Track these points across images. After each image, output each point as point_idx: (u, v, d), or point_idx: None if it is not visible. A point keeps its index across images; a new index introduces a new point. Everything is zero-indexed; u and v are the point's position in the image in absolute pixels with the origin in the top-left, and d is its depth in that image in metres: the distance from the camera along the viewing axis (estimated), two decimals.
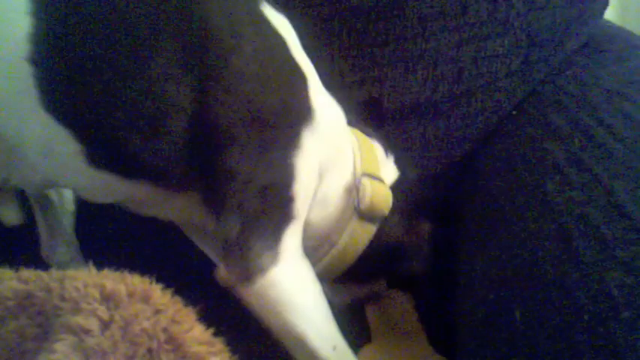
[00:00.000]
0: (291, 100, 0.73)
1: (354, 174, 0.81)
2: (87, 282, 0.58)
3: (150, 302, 0.58)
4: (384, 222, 0.82)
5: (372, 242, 0.82)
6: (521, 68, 0.96)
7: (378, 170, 0.83)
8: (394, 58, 0.95)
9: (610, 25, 1.09)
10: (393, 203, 0.82)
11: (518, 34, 0.95)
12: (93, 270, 0.61)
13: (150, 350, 0.55)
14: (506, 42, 0.95)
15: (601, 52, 1.00)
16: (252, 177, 0.70)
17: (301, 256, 0.74)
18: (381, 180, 0.82)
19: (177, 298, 0.61)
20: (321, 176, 0.77)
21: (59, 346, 0.53)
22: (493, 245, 0.74)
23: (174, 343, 0.56)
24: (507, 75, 0.96)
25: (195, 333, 0.58)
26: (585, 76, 0.92)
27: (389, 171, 0.86)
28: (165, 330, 0.56)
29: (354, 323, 0.92)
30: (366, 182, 0.79)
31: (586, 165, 0.70)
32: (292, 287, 0.71)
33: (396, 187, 0.84)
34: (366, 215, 0.80)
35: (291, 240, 0.72)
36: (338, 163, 0.80)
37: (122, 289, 0.58)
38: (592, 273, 0.56)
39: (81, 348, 0.53)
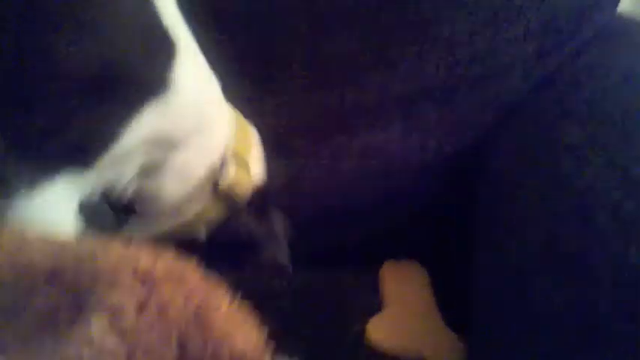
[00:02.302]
0: (144, 67, 0.71)
1: (223, 153, 0.81)
2: (120, 257, 0.57)
3: (184, 283, 0.57)
4: (237, 209, 0.83)
5: (223, 227, 0.83)
6: (536, 54, 0.96)
7: (249, 156, 0.84)
8: (407, 43, 0.95)
9: (624, 15, 1.10)
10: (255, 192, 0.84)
11: (532, 21, 0.95)
12: (122, 241, 0.60)
13: (180, 331, 0.55)
14: (520, 28, 0.95)
15: (615, 40, 1.00)
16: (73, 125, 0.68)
17: (64, 200, 0.72)
18: (248, 166, 0.83)
19: (209, 277, 0.60)
20: (169, 148, 0.76)
21: (95, 322, 0.52)
22: (511, 223, 0.75)
23: (202, 323, 0.56)
24: (522, 61, 0.96)
25: (223, 311, 0.58)
26: (600, 62, 0.93)
27: (259, 162, 0.87)
28: (196, 310, 0.56)
29: (366, 292, 0.93)
30: (232, 165, 0.80)
31: (602, 146, 0.71)
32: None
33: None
34: (222, 197, 0.81)
35: (63, 185, 0.70)
36: (201, 139, 0.79)
37: (159, 268, 0.57)
38: (615, 246, 0.57)
39: (117, 326, 0.52)
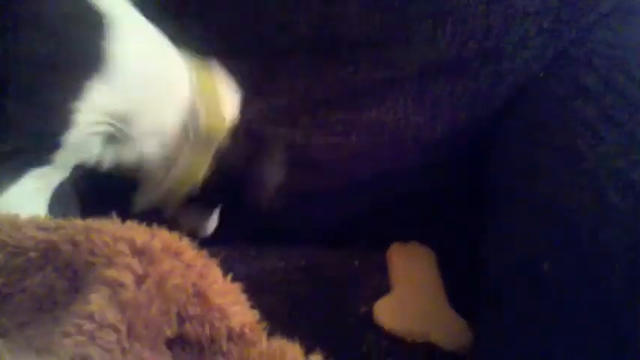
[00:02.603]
0: (75, 48, 0.71)
1: (191, 105, 0.81)
2: (116, 235, 0.57)
3: (181, 258, 0.58)
4: (223, 150, 0.84)
5: (214, 170, 0.84)
6: (552, 27, 0.93)
7: (218, 102, 0.84)
8: (422, 15, 0.93)
9: None
10: (234, 133, 0.84)
11: None
12: (117, 221, 0.61)
13: (179, 305, 0.55)
14: (537, 1, 0.93)
15: (631, 14, 0.97)
16: (25, 120, 0.70)
17: (37, 194, 0.75)
18: (220, 113, 0.84)
19: (204, 252, 0.61)
20: (128, 118, 0.77)
21: (95, 297, 0.52)
22: (523, 201, 0.74)
23: (200, 297, 0.56)
24: (537, 34, 0.93)
25: (219, 285, 0.59)
26: (616, 37, 0.90)
27: (231, 103, 0.87)
28: (193, 285, 0.56)
29: (373, 273, 0.92)
30: (202, 111, 0.81)
31: (618, 121, 0.69)
32: None
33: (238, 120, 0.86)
34: (201, 142, 0.82)
35: (33, 180, 0.72)
36: (164, 99, 0.80)
37: (156, 244, 0.57)
38: (627, 224, 0.55)
39: (116, 300, 0.52)
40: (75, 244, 0.57)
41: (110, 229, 0.59)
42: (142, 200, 0.86)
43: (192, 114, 0.81)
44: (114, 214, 0.61)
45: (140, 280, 0.54)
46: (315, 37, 0.95)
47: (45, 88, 0.70)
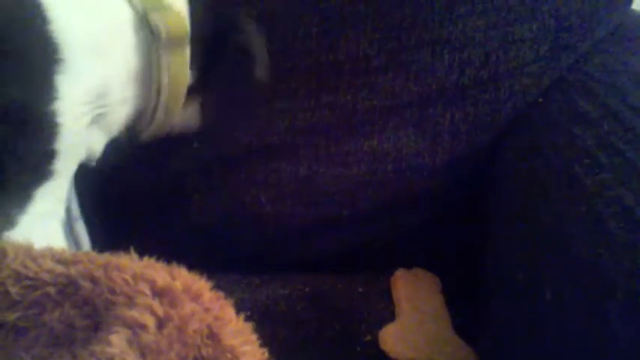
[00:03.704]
0: (25, 49, 0.67)
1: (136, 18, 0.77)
2: (136, 274, 0.56)
3: (200, 300, 0.57)
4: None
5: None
6: (549, 53, 0.95)
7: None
8: (420, 42, 0.95)
9: (638, 15, 1.08)
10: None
11: (546, 19, 0.94)
12: (134, 256, 0.60)
13: (196, 347, 0.54)
14: (534, 27, 0.94)
15: (630, 39, 0.99)
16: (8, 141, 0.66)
17: (49, 217, 0.72)
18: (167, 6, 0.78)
19: (220, 294, 0.60)
20: (107, 88, 0.74)
21: (115, 339, 0.51)
22: (522, 227, 0.74)
23: (214, 339, 0.55)
24: (535, 60, 0.95)
25: (232, 325, 0.58)
26: (614, 62, 0.92)
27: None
28: (208, 326, 0.56)
29: (378, 300, 0.93)
30: (155, 17, 0.76)
31: (616, 148, 0.70)
32: None
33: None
34: (172, 43, 0.78)
35: (43, 201, 0.69)
36: (121, 48, 0.76)
37: (177, 285, 0.56)
38: (625, 252, 0.56)
39: (137, 343, 0.51)
40: (94, 280, 0.56)
41: (130, 266, 0.58)
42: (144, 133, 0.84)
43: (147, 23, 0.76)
44: (132, 250, 0.60)
45: (161, 323, 0.53)
46: (315, 64, 0.96)
47: (14, 103, 0.66)
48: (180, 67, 0.80)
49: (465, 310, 0.88)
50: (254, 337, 0.59)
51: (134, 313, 0.53)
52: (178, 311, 0.54)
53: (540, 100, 0.95)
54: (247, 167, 1.00)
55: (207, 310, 0.57)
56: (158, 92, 0.79)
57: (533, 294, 0.63)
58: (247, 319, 0.60)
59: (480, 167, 0.97)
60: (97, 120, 0.75)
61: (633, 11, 1.08)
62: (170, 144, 0.93)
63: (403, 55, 0.95)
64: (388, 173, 0.98)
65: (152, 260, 0.60)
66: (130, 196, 1.01)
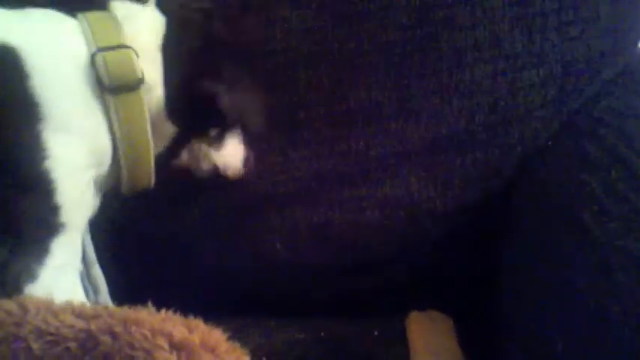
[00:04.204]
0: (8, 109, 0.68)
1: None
2: (154, 328, 0.57)
3: (216, 352, 0.58)
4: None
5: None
6: (557, 98, 0.96)
7: (118, 36, 0.75)
8: (430, 90, 0.97)
9: None
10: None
11: (553, 65, 0.96)
12: (152, 310, 0.61)
13: None
14: (541, 72, 0.96)
15: (636, 81, 1.00)
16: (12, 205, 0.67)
17: (67, 269, 0.73)
18: (119, 46, 0.74)
19: (237, 345, 0.60)
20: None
21: None
22: (533, 276, 0.75)
23: None
24: (543, 105, 0.96)
25: None
26: (621, 106, 0.93)
27: (144, 19, 0.79)
28: None
29: (393, 344, 0.94)
30: (100, 60, 0.72)
31: (624, 196, 0.71)
32: None
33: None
34: (121, 89, 0.74)
35: (60, 253, 0.70)
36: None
37: (194, 339, 0.57)
38: (633, 304, 0.57)
39: None
40: (114, 335, 0.57)
41: (148, 320, 0.59)
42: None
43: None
44: (149, 304, 0.61)
45: None
46: (328, 112, 0.99)
47: (12, 167, 0.67)
48: (135, 118, 0.75)
49: (479, 353, 0.89)
50: None
51: None
52: None
53: (550, 143, 0.96)
54: (263, 214, 1.01)
55: None
56: (114, 147, 0.76)
57: (546, 345, 0.64)
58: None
59: (492, 212, 0.98)
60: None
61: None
62: (184, 192, 0.95)
63: (414, 102, 0.97)
64: (401, 219, 1.00)
65: (170, 313, 0.61)
66: (145, 242, 1.02)
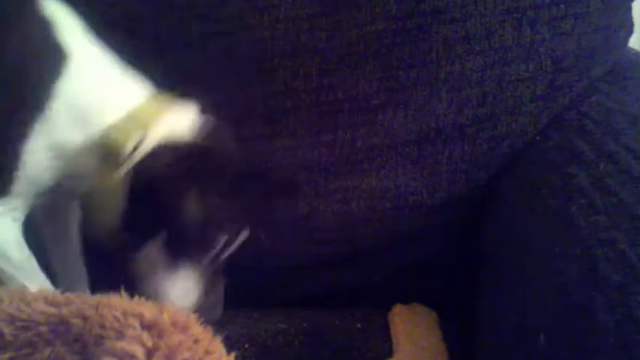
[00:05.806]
0: (28, 88, 0.73)
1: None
2: (126, 310, 0.58)
3: (189, 332, 0.58)
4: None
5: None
6: (546, 93, 0.96)
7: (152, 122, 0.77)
8: (419, 82, 0.96)
9: (635, 53, 1.09)
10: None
11: (543, 59, 0.95)
12: (125, 295, 0.61)
13: None
14: (530, 66, 0.95)
15: (625, 79, 1.00)
16: None
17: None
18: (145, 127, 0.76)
19: (210, 328, 0.61)
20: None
21: None
22: (517, 268, 0.75)
23: None
24: (532, 99, 0.96)
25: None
26: (610, 102, 0.93)
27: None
28: (203, 357, 0.57)
29: (376, 336, 0.93)
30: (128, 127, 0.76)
31: (611, 189, 0.71)
32: None
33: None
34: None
35: None
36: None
37: (165, 318, 0.58)
38: (618, 297, 0.56)
39: None
40: (85, 318, 0.58)
41: (120, 304, 0.59)
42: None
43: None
44: (122, 290, 0.61)
45: (150, 353, 0.54)
46: (315, 102, 0.98)
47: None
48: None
49: (462, 346, 0.88)
50: None
51: (123, 344, 0.54)
52: (166, 341, 0.55)
53: (538, 137, 0.96)
54: (246, 204, 1.00)
55: (196, 341, 0.58)
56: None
57: (528, 337, 0.64)
58: (245, 352, 0.61)
59: (478, 205, 0.98)
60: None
61: (630, 50, 1.09)
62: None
63: (402, 94, 0.97)
64: (387, 210, 1.00)
65: (142, 298, 0.62)
66: None
